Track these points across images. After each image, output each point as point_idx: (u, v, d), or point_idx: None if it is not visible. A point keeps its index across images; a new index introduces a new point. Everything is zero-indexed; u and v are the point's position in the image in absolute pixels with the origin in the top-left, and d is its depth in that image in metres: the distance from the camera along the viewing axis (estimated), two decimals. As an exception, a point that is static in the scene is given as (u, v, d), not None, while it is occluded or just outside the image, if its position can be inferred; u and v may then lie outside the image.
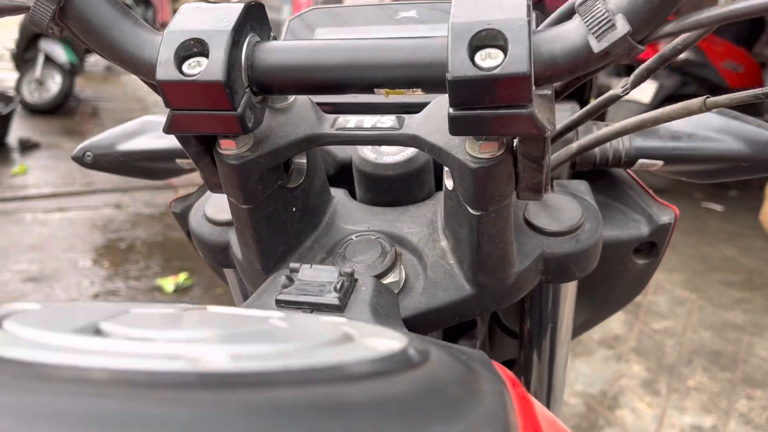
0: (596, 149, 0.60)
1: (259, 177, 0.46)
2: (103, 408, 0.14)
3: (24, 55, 6.10)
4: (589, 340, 2.80)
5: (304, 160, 0.51)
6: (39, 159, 5.06)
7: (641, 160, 0.60)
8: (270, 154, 0.45)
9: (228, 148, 0.45)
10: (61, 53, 6.03)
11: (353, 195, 0.59)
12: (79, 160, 0.71)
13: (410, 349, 0.22)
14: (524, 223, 0.52)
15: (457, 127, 0.38)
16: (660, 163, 0.59)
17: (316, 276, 0.41)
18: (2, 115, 4.95)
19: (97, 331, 0.21)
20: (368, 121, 0.47)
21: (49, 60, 6.04)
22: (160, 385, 0.15)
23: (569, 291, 0.59)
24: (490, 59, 0.36)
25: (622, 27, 0.35)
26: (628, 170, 0.66)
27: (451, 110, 0.38)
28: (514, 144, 0.42)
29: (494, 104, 0.37)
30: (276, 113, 0.47)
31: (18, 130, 5.31)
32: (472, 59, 0.36)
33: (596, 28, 0.36)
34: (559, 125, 0.53)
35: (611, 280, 0.65)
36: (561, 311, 0.59)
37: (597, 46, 0.36)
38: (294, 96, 0.49)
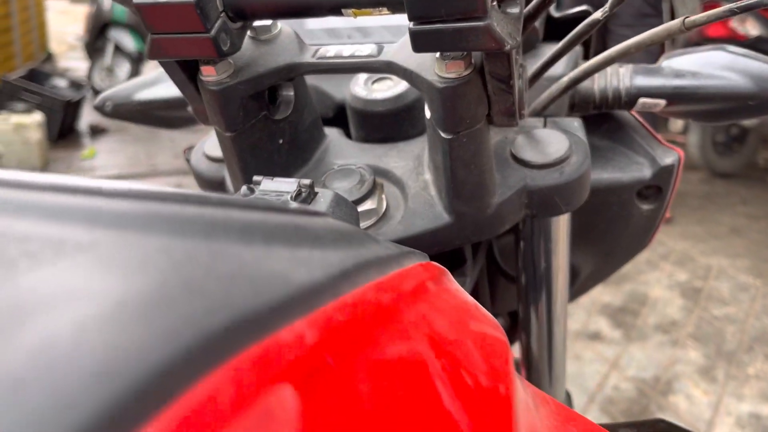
0: (595, 89, 0.58)
1: (240, 104, 0.47)
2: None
3: (95, 44, 6.36)
4: (644, 324, 2.72)
5: (292, 93, 0.52)
6: (107, 143, 5.27)
7: (643, 100, 0.57)
8: (250, 81, 0.46)
9: (209, 74, 0.46)
10: (129, 42, 6.26)
11: (349, 136, 0.59)
12: (100, 109, 0.74)
13: (291, 204, 0.22)
14: (510, 157, 0.51)
15: (417, 42, 0.38)
16: (662, 102, 0.57)
17: (277, 186, 0.41)
18: (73, 101, 5.18)
19: None
20: (348, 50, 0.47)
21: (118, 49, 6.28)
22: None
23: (561, 227, 0.57)
24: None
25: None
26: (633, 112, 0.63)
27: (411, 25, 0.37)
28: (484, 66, 0.41)
29: (451, 17, 0.36)
30: (260, 44, 0.48)
31: (88, 115, 5.55)
32: None
33: None
34: (540, 62, 0.52)
35: (616, 226, 0.63)
36: (553, 248, 0.57)
37: None
38: (279, 27, 0.49)
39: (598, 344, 2.60)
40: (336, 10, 0.41)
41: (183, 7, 0.40)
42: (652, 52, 2.45)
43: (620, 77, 0.57)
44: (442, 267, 0.33)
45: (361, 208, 0.48)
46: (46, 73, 5.47)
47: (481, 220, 0.48)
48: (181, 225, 0.17)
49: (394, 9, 0.40)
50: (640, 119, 0.62)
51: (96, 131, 5.43)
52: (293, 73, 0.48)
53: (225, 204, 0.19)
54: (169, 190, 0.20)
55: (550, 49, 0.61)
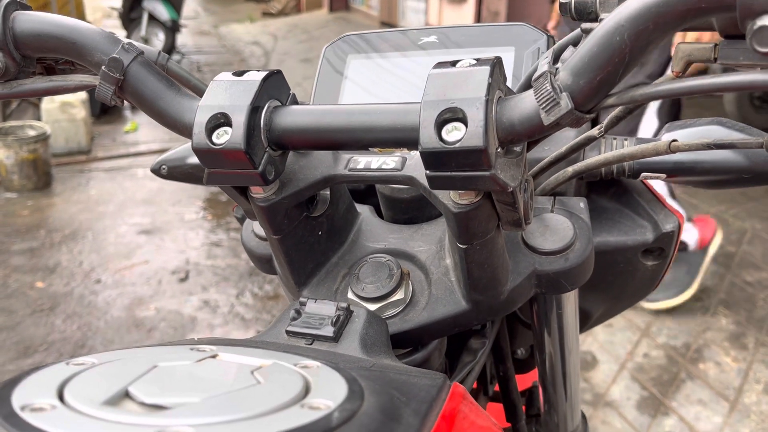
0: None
1: (285, 213, 0.55)
2: None
3: (130, 14, 6.46)
4: (676, 291, 2.77)
5: (328, 192, 0.60)
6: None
7: (644, 173, 0.64)
8: (292, 195, 0.54)
9: (257, 193, 0.54)
10: (163, 11, 6.34)
11: (380, 212, 0.67)
12: (157, 172, 0.83)
13: (336, 413, 0.31)
14: (521, 242, 0.58)
15: (433, 184, 0.46)
16: (663, 175, 0.63)
17: (319, 310, 0.50)
18: (113, 75, 5.31)
19: (127, 394, 0.32)
20: (375, 162, 0.55)
21: (152, 18, 6.36)
22: None
23: (571, 295, 0.65)
24: (456, 131, 0.43)
25: (565, 105, 0.41)
26: None
27: (426, 171, 0.45)
28: (492, 193, 0.48)
29: (460, 168, 0.43)
30: (300, 156, 0.56)
31: (128, 88, 5.69)
32: (439, 133, 0.43)
33: (544, 104, 0.42)
34: (542, 162, 0.59)
35: (623, 279, 0.70)
36: (564, 313, 0.65)
37: (546, 119, 0.42)
38: None
39: (630, 311, 2.66)
40: (364, 147, 0.49)
41: (234, 152, 0.48)
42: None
43: None
44: (462, 388, 0.42)
45: (390, 299, 0.56)
46: (84, 47, 5.60)
47: (496, 304, 0.56)
48: None
49: (412, 149, 0.48)
50: (646, 182, 0.69)
51: (136, 103, 5.58)
52: (329, 183, 0.56)
53: None
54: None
55: (563, 132, 0.67)
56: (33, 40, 0.54)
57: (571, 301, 0.66)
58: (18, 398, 0.31)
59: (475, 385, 0.85)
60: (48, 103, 4.52)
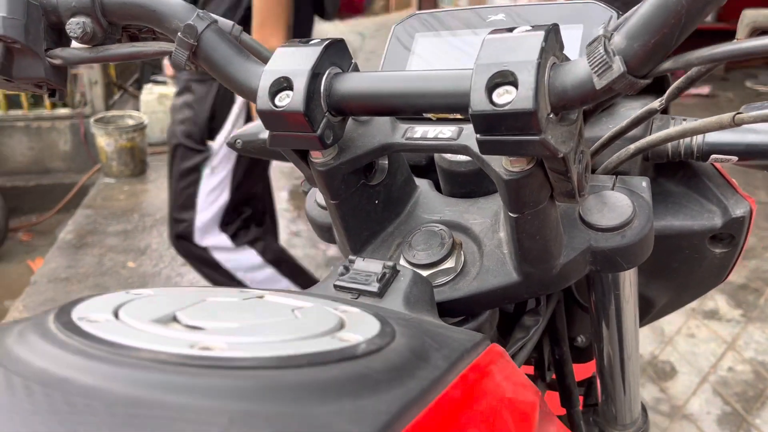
0: (667, 145, 0.63)
1: (342, 179, 0.57)
2: (140, 375, 0.27)
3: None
4: (767, 304, 2.62)
5: (386, 161, 0.61)
6: (238, 109, 5.63)
7: (714, 155, 0.61)
8: (350, 161, 0.56)
9: (316, 157, 0.56)
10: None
11: (438, 187, 0.68)
12: (232, 145, 0.87)
13: (363, 344, 0.32)
14: (578, 218, 0.57)
15: (483, 148, 0.46)
16: (734, 158, 0.61)
17: (366, 267, 0.51)
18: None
19: (174, 318, 0.34)
20: (432, 131, 0.56)
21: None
22: (173, 363, 0.28)
23: (628, 276, 0.63)
24: (507, 95, 0.43)
25: (617, 68, 0.41)
26: None
27: (477, 135, 0.46)
28: (544, 161, 0.48)
29: (510, 132, 0.44)
30: (359, 124, 0.58)
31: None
32: (490, 96, 0.43)
33: (597, 68, 0.41)
34: (603, 138, 0.58)
35: (688, 266, 0.68)
36: (622, 295, 0.64)
37: (598, 83, 0.41)
38: None
39: (715, 323, 2.55)
40: (418, 113, 0.50)
41: (294, 115, 0.50)
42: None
43: None
44: (502, 349, 0.42)
45: (440, 267, 0.57)
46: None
47: (547, 278, 0.56)
48: (281, 395, 0.27)
49: (465, 114, 0.48)
50: (718, 166, 0.66)
51: (227, 98, 5.80)
52: (386, 152, 0.57)
53: (312, 363, 0.29)
54: (267, 356, 0.29)
55: (627, 108, 0.66)
56: (118, 8, 0.58)
57: (628, 282, 0.64)
58: (77, 312, 0.34)
59: (532, 372, 0.84)
60: (146, 95, 4.77)
